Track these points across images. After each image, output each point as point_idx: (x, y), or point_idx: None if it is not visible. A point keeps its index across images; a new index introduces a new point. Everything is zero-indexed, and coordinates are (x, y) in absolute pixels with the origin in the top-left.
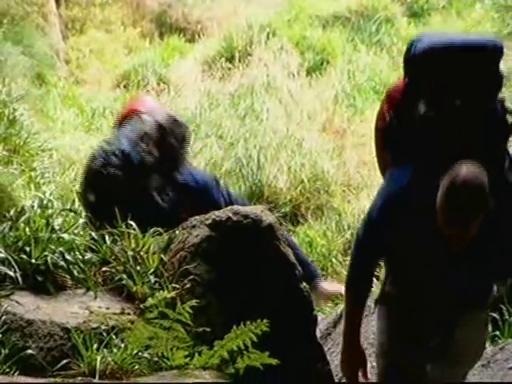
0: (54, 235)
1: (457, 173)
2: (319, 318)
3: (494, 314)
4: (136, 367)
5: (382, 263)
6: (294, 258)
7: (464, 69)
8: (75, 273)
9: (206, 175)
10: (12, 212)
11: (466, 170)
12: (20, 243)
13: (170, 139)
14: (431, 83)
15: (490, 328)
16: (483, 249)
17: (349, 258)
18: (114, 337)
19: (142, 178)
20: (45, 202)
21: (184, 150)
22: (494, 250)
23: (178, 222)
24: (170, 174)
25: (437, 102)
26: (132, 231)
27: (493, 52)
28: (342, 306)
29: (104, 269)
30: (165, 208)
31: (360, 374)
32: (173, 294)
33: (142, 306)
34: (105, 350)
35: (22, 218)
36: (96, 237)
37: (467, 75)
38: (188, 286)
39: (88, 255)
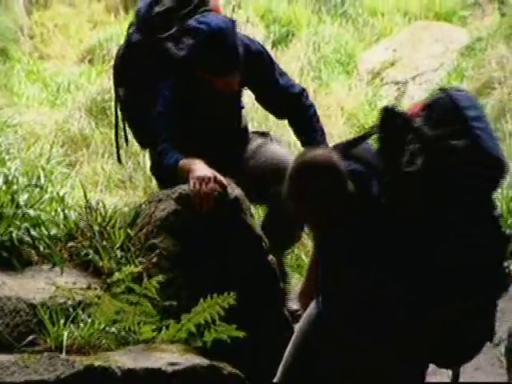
0: (19, 211)
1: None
2: None
3: None
4: (103, 342)
5: None
6: None
7: None
8: (41, 248)
9: None
10: None
11: (312, 152)
12: None
13: None
14: None
15: None
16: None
17: None
18: (80, 312)
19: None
20: (10, 177)
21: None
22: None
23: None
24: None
25: None
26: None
27: None
28: None
29: (70, 244)
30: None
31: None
32: (139, 268)
33: (108, 280)
34: (71, 325)
35: None
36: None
37: None
38: (154, 260)
39: (54, 231)
